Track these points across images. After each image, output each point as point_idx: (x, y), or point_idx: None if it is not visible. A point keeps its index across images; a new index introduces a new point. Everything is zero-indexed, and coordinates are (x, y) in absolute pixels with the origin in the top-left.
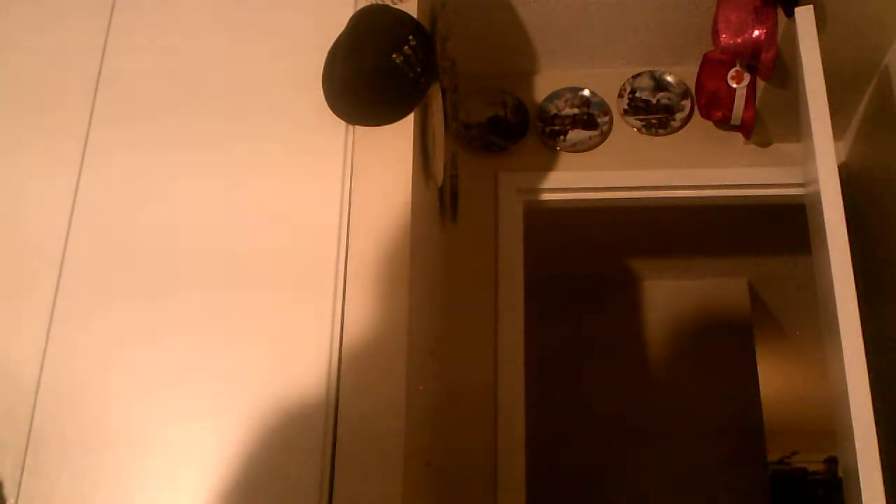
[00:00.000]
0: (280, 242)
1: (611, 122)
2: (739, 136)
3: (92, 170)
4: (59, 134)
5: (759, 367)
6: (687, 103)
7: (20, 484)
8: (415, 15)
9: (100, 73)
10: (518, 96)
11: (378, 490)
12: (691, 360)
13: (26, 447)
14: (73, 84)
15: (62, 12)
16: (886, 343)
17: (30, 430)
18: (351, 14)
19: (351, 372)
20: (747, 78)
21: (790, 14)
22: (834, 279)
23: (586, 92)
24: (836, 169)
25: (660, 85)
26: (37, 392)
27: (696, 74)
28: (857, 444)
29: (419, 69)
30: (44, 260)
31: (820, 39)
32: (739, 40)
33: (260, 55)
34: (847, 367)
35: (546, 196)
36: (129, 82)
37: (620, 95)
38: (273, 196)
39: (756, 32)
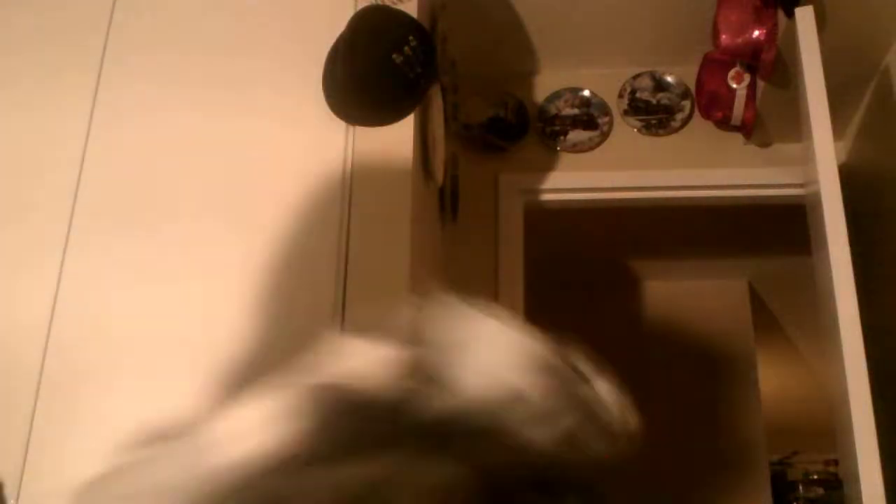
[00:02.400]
0: (280, 242)
1: (611, 122)
2: (740, 137)
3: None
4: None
5: (759, 367)
6: (687, 103)
7: (20, 484)
8: (415, 15)
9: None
10: (518, 97)
11: None
12: (691, 360)
13: (27, 446)
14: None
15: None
16: (886, 342)
17: (30, 430)
18: (351, 14)
19: None
20: (747, 78)
21: (790, 14)
22: (834, 279)
23: (586, 92)
24: (836, 169)
25: (660, 85)
26: (37, 391)
27: (696, 75)
28: (857, 445)
29: (419, 69)
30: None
31: (820, 39)
32: (740, 41)
33: (260, 55)
34: (847, 367)
35: (546, 196)
36: (130, 84)
37: (620, 96)
38: (273, 196)
39: (756, 33)
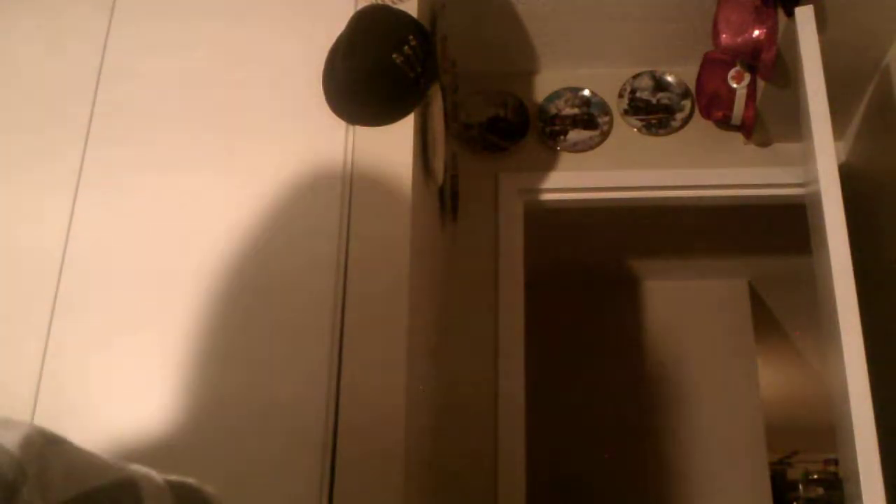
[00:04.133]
0: (280, 242)
1: (611, 122)
2: (740, 136)
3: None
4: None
5: (759, 368)
6: (687, 103)
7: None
8: (415, 15)
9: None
10: (518, 96)
11: (379, 491)
12: (691, 360)
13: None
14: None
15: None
16: (886, 342)
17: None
18: (351, 14)
19: (351, 373)
20: (747, 78)
21: (790, 14)
22: (834, 279)
23: (586, 92)
24: (836, 169)
25: (660, 85)
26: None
27: (696, 74)
28: (858, 445)
29: (419, 69)
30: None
31: (820, 39)
32: (740, 40)
33: (260, 55)
34: (847, 367)
35: (546, 196)
36: (129, 78)
37: (621, 95)
38: (273, 196)
39: (756, 32)
